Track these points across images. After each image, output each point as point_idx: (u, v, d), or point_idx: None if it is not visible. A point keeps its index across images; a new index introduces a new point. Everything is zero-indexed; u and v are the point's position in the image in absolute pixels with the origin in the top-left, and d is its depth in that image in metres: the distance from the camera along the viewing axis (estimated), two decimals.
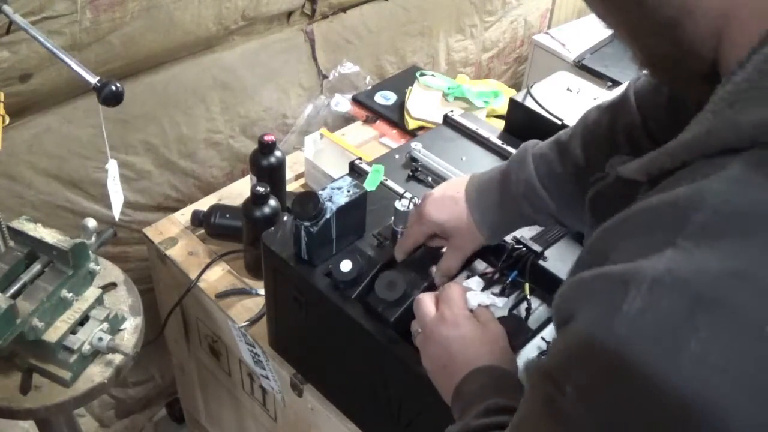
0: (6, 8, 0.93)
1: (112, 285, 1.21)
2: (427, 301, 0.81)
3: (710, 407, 0.31)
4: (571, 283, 0.41)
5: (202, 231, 1.41)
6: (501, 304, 0.85)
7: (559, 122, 1.27)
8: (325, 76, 1.75)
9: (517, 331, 0.85)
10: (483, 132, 1.25)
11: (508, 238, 0.98)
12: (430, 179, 1.15)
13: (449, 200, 0.88)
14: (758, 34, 0.37)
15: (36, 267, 1.05)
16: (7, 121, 0.98)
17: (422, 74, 1.77)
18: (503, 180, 0.85)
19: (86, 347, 1.06)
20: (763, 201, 0.33)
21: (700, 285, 0.33)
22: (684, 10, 0.43)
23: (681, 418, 0.32)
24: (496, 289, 0.92)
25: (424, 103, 1.69)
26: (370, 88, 1.80)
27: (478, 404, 0.68)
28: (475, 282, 0.92)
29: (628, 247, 0.37)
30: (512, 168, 0.85)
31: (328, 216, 0.92)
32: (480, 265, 0.98)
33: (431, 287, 0.91)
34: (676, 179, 0.39)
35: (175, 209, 1.48)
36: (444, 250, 0.93)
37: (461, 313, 0.79)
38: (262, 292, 1.22)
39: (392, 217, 0.99)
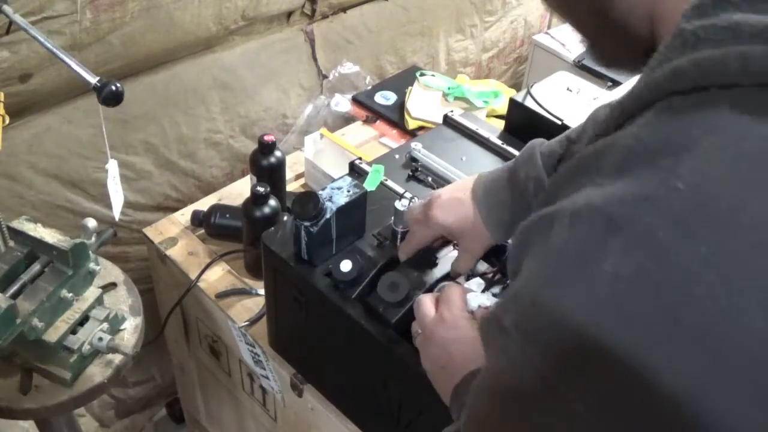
0: (6, 8, 0.93)
1: (112, 285, 1.21)
2: (426, 302, 0.81)
3: (620, 317, 0.33)
4: (516, 234, 0.45)
5: (202, 231, 1.41)
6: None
7: (559, 122, 1.27)
8: (325, 76, 1.75)
9: None
10: (483, 132, 1.25)
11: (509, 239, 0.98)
12: (430, 179, 1.15)
13: (456, 202, 0.88)
14: (682, 9, 0.40)
15: (36, 267, 1.05)
16: (7, 121, 0.98)
17: (422, 74, 1.77)
18: (511, 178, 0.85)
19: (86, 347, 1.06)
20: (668, 134, 0.36)
21: (611, 210, 0.36)
22: None
23: (593, 325, 0.34)
24: (497, 289, 0.92)
25: (424, 103, 1.69)
26: (370, 88, 1.80)
27: None
28: (476, 283, 0.92)
29: (559, 195, 0.41)
30: (520, 166, 0.85)
31: (328, 216, 0.92)
32: (481, 265, 0.98)
33: (433, 289, 0.91)
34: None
35: (175, 209, 1.48)
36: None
37: (460, 314, 0.79)
38: (262, 292, 1.23)
39: (392, 217, 0.99)
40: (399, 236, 0.99)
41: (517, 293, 0.41)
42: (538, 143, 0.87)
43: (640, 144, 0.37)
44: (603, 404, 0.34)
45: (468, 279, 0.93)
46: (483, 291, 0.88)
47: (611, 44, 0.51)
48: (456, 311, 0.79)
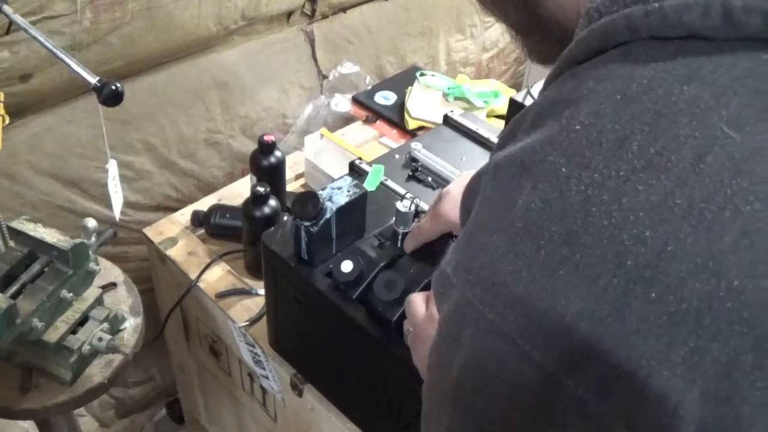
0: (6, 8, 0.93)
1: (112, 285, 1.21)
2: (417, 300, 0.82)
3: (531, 242, 0.38)
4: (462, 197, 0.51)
5: (202, 231, 1.41)
6: None
7: None
8: (325, 76, 1.75)
9: None
10: (483, 132, 1.25)
11: None
12: (430, 179, 1.15)
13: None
14: None
15: (36, 267, 1.05)
16: (7, 121, 0.98)
17: (422, 74, 1.77)
18: None
19: (86, 347, 1.06)
20: (570, 89, 0.41)
21: (522, 156, 0.41)
22: None
23: (512, 253, 0.40)
24: None
25: (424, 103, 1.69)
26: (370, 88, 1.80)
27: None
28: None
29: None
30: None
31: (328, 216, 0.92)
32: None
33: (429, 287, 0.91)
34: None
35: (175, 209, 1.48)
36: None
37: None
38: (262, 292, 1.22)
39: (393, 218, 0.99)
40: (400, 237, 0.99)
41: (457, 243, 0.46)
42: None
43: (546, 101, 0.42)
44: (520, 330, 0.39)
45: None
46: None
47: (540, 41, 0.55)
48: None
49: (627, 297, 0.35)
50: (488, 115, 1.68)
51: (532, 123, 0.43)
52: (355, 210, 0.97)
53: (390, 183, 1.12)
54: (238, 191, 1.50)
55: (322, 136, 1.53)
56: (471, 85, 1.78)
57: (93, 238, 1.11)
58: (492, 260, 0.40)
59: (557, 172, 0.38)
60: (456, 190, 0.90)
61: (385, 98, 1.76)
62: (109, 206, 1.13)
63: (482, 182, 0.44)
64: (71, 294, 1.05)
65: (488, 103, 1.68)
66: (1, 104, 0.98)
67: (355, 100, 1.75)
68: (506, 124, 1.36)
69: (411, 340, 0.81)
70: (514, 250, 0.39)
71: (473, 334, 0.42)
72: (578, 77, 0.42)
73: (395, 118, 1.70)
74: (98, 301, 1.11)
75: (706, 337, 0.34)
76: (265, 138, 1.31)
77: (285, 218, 1.19)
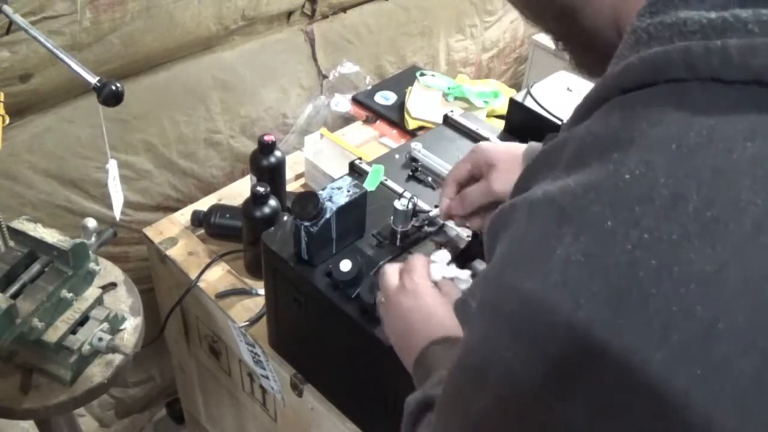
0: (6, 8, 0.93)
1: (112, 285, 1.21)
2: (390, 271, 0.84)
3: (570, 298, 0.36)
4: (488, 227, 0.47)
5: (202, 231, 1.41)
6: (465, 277, 0.85)
7: (560, 122, 1.27)
8: (325, 76, 1.75)
9: None
10: (483, 132, 1.25)
11: None
12: (430, 179, 1.15)
13: (503, 144, 0.92)
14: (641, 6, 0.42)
15: (36, 267, 1.05)
16: (7, 121, 0.98)
17: (422, 74, 1.77)
18: None
19: (86, 347, 1.06)
20: (617, 127, 0.38)
21: (564, 201, 0.38)
22: None
23: (549, 304, 0.37)
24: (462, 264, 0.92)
25: (424, 103, 1.69)
26: (370, 88, 1.80)
27: (434, 373, 0.71)
28: (441, 255, 0.91)
29: (527, 187, 0.43)
30: None
31: (328, 216, 0.92)
32: (480, 265, 0.98)
33: None
34: None
35: (175, 209, 1.48)
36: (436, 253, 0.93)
37: (422, 282, 0.81)
38: (262, 292, 1.23)
39: (392, 217, 0.99)
40: (399, 236, 0.99)
41: (484, 276, 0.44)
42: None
43: (590, 136, 0.39)
44: (551, 386, 0.37)
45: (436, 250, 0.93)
46: (448, 264, 0.87)
47: (581, 50, 0.53)
48: (418, 279, 0.81)
49: (669, 374, 0.32)
50: (488, 115, 1.68)
51: (574, 159, 0.40)
52: (355, 210, 0.97)
53: (390, 183, 1.12)
54: (238, 191, 1.50)
55: (322, 136, 1.53)
56: (471, 85, 1.78)
57: (93, 238, 1.11)
58: (523, 307, 0.38)
59: (602, 225, 0.36)
60: (504, 160, 0.91)
61: (385, 98, 1.76)
62: (109, 206, 1.13)
63: (515, 217, 0.41)
64: (71, 294, 1.05)
65: (488, 103, 1.68)
66: (1, 104, 0.98)
67: (355, 100, 1.75)
68: (506, 124, 1.36)
69: (382, 311, 0.83)
70: (549, 305, 0.36)
71: (499, 381, 0.40)
72: (627, 112, 0.38)
73: (395, 118, 1.70)
74: (98, 301, 1.11)
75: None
76: (265, 138, 1.31)
77: (285, 218, 1.19)
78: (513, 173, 0.88)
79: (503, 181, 0.90)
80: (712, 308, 0.32)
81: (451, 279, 0.83)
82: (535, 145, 0.89)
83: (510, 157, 0.90)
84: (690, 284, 0.33)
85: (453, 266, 0.87)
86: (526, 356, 0.38)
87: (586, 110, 0.43)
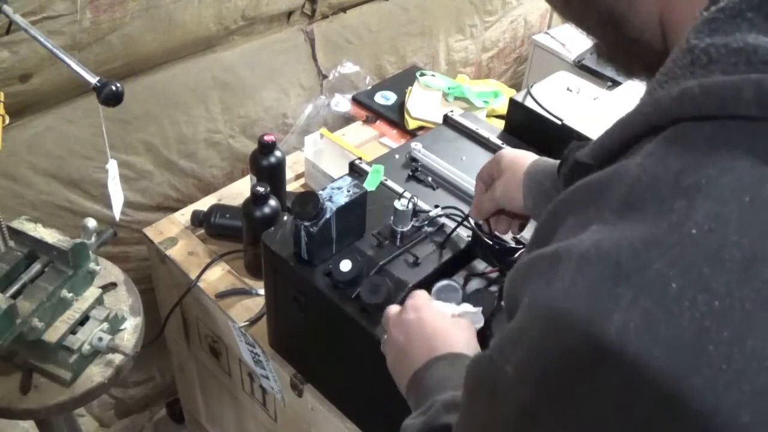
0: (6, 8, 0.93)
1: (112, 285, 1.21)
2: (392, 308, 0.83)
3: (630, 364, 0.32)
4: (516, 268, 0.42)
5: (202, 231, 1.41)
6: (474, 311, 0.84)
7: (559, 122, 1.27)
8: (325, 76, 1.75)
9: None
10: (483, 132, 1.25)
11: (508, 237, 0.98)
12: (430, 179, 1.15)
13: (518, 153, 0.91)
14: (693, 17, 0.38)
15: (36, 267, 1.05)
16: (7, 121, 0.98)
17: (422, 74, 1.77)
18: (554, 174, 0.85)
19: (86, 347, 1.06)
20: (679, 169, 0.34)
21: (619, 255, 0.33)
22: (623, 1, 0.44)
23: (603, 380, 0.33)
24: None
25: (424, 103, 1.69)
26: (370, 88, 1.80)
27: (437, 395, 0.67)
28: (448, 288, 0.92)
29: (565, 227, 0.39)
30: (560, 164, 0.85)
31: (328, 216, 0.92)
32: (480, 264, 0.98)
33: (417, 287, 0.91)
34: (608, 161, 0.40)
35: (175, 209, 1.48)
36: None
37: (424, 302, 0.80)
38: (262, 292, 1.22)
39: (392, 217, 0.99)
40: (399, 236, 0.99)
41: (520, 335, 0.39)
42: (577, 145, 0.87)
43: (647, 176, 0.35)
44: None
45: (441, 293, 0.92)
46: (458, 303, 0.87)
47: (626, 57, 0.49)
48: (420, 301, 0.80)
49: None
50: (488, 115, 1.68)
51: (627, 203, 0.35)
52: (355, 210, 0.97)
53: (390, 183, 1.12)
54: (238, 191, 1.50)
55: (322, 136, 1.53)
56: (471, 85, 1.78)
57: (93, 238, 1.11)
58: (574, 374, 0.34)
59: (665, 286, 0.32)
60: (510, 176, 0.90)
61: (385, 98, 1.76)
62: (109, 206, 1.13)
63: (558, 268, 0.36)
64: (71, 294, 1.05)
65: (488, 103, 1.68)
66: (1, 104, 0.98)
67: (355, 100, 1.75)
68: (506, 124, 1.36)
69: (384, 342, 0.82)
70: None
71: None
72: (689, 151, 0.34)
73: (395, 118, 1.70)
74: (98, 301, 1.11)
75: None
76: (265, 138, 1.31)
77: (285, 218, 1.19)
78: (513, 184, 0.88)
79: (502, 189, 0.89)
80: None
81: (459, 315, 0.82)
82: (540, 163, 0.88)
83: (516, 167, 0.89)
84: (765, 361, 0.30)
85: (464, 304, 0.85)
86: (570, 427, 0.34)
87: (632, 138, 0.38)
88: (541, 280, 0.38)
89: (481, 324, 0.82)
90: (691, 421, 0.30)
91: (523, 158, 0.90)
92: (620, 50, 0.48)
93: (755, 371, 0.30)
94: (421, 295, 0.82)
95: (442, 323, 0.77)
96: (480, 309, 0.84)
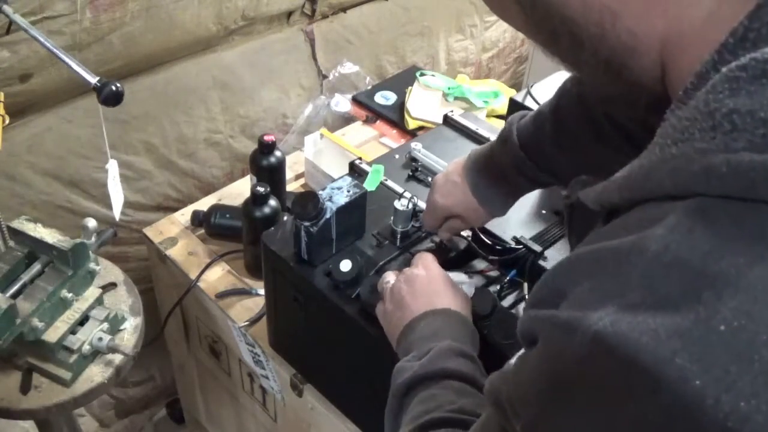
0: (6, 8, 0.93)
1: (112, 285, 1.21)
2: (390, 272, 0.87)
3: None
4: (528, 318, 0.41)
5: (202, 231, 1.41)
6: (468, 281, 0.89)
7: None
8: (325, 76, 1.75)
9: (485, 305, 0.86)
10: (483, 132, 1.25)
11: (508, 238, 0.98)
12: (430, 179, 1.15)
13: (451, 185, 0.92)
14: (699, 61, 0.36)
15: (36, 267, 1.05)
16: (7, 121, 0.98)
17: (422, 74, 1.77)
18: (493, 157, 0.88)
19: (86, 347, 1.06)
20: (706, 252, 0.32)
21: (639, 345, 0.31)
22: (625, 50, 0.41)
23: None
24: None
25: (424, 103, 1.69)
26: (370, 88, 1.80)
27: (433, 342, 0.72)
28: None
29: (581, 290, 0.37)
30: (500, 145, 0.87)
31: (328, 216, 0.92)
32: (480, 264, 0.98)
33: None
34: (623, 222, 0.38)
35: (175, 209, 1.48)
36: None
37: (432, 262, 0.84)
38: (262, 292, 1.22)
39: (392, 217, 0.99)
40: (399, 236, 0.99)
41: (525, 398, 0.39)
42: (518, 117, 0.88)
43: (670, 256, 0.33)
44: None
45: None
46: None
47: (617, 95, 0.48)
48: (429, 261, 0.84)
49: None
50: (488, 115, 1.68)
51: (651, 287, 0.33)
52: (355, 210, 0.97)
53: (390, 183, 1.12)
54: (238, 191, 1.50)
55: (322, 136, 1.53)
56: (471, 85, 1.78)
57: (93, 238, 1.11)
58: None
59: (687, 383, 0.30)
60: (441, 178, 0.93)
61: (385, 98, 1.76)
62: (109, 206, 1.13)
63: (572, 344, 0.34)
64: (71, 294, 1.05)
65: (488, 103, 1.68)
66: (1, 104, 0.98)
67: (355, 100, 1.75)
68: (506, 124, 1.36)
69: (380, 305, 0.85)
70: None
71: None
72: (716, 233, 0.32)
73: (395, 118, 1.70)
74: (98, 301, 1.11)
75: None
76: (265, 138, 1.31)
77: (285, 218, 1.19)
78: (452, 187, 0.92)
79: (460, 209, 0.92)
80: None
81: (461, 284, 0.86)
82: (476, 154, 0.91)
83: (449, 179, 0.92)
84: None
85: (459, 273, 0.90)
86: None
87: (643, 200, 0.36)
88: (548, 342, 0.37)
89: (470, 295, 0.87)
90: None
91: (453, 172, 0.93)
92: (618, 93, 0.47)
93: None
94: (429, 256, 0.87)
95: (446, 284, 0.82)
96: (474, 281, 0.89)
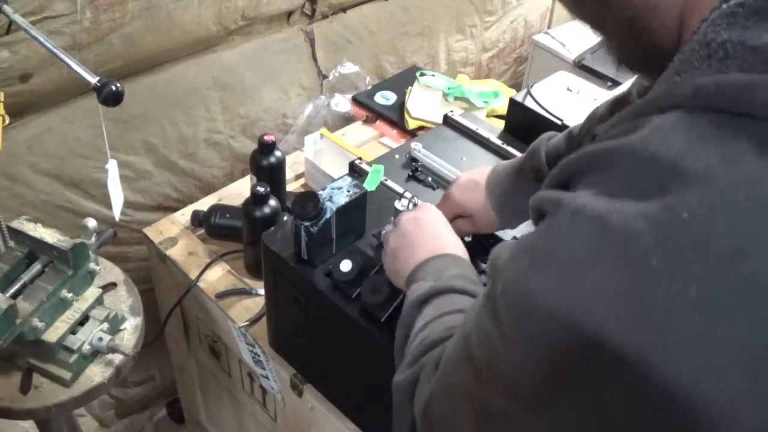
0: (6, 8, 0.93)
1: (112, 285, 1.21)
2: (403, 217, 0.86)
3: (598, 327, 0.33)
4: (539, 196, 0.45)
5: (202, 231, 1.41)
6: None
7: (559, 122, 1.27)
8: (325, 76, 1.75)
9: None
10: (483, 132, 1.25)
11: (508, 238, 0.98)
12: (430, 179, 1.15)
13: (472, 184, 0.94)
14: (710, 9, 0.38)
15: (36, 267, 1.05)
16: (7, 121, 0.98)
17: (422, 74, 1.77)
18: (519, 170, 0.91)
19: (86, 347, 1.06)
20: (681, 151, 0.34)
21: (609, 222, 0.35)
22: (648, 9, 0.44)
23: (565, 324, 0.35)
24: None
25: (424, 103, 1.69)
26: (370, 88, 1.80)
27: (444, 272, 0.73)
28: None
29: (575, 180, 0.41)
30: (526, 159, 0.91)
31: (328, 216, 0.92)
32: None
33: None
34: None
35: (175, 209, 1.48)
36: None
37: (438, 210, 0.85)
38: (262, 292, 1.23)
39: (392, 217, 0.99)
40: None
41: (525, 247, 0.43)
42: (548, 137, 0.92)
43: (647, 154, 0.36)
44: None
45: None
46: None
47: (644, 61, 0.49)
48: (434, 208, 0.85)
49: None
50: (488, 115, 1.68)
51: (626, 177, 0.36)
52: (355, 210, 0.97)
53: (390, 183, 1.12)
54: (238, 191, 1.50)
55: (322, 136, 1.53)
56: (471, 85, 1.78)
57: (93, 238, 1.11)
58: (545, 317, 0.37)
59: (646, 261, 0.33)
60: (465, 176, 0.96)
61: (385, 98, 1.76)
62: (109, 206, 1.13)
63: (557, 214, 0.39)
64: (71, 294, 1.05)
65: (488, 103, 1.68)
66: (1, 104, 0.98)
67: (355, 100, 1.75)
68: (506, 124, 1.36)
69: (388, 235, 0.85)
70: (572, 324, 0.34)
71: (502, 378, 0.41)
72: (693, 136, 0.34)
73: (395, 118, 1.70)
74: (98, 301, 1.11)
75: None
76: (265, 138, 1.31)
77: (285, 218, 1.19)
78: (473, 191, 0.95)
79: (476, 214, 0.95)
80: (747, 381, 0.30)
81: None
82: (502, 164, 0.95)
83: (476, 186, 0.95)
84: (731, 348, 0.30)
85: None
86: (533, 364, 0.38)
87: (636, 114, 0.39)
88: (548, 221, 0.41)
89: None
90: (652, 399, 0.31)
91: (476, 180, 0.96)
92: (639, 55, 0.49)
93: (719, 368, 0.30)
94: (433, 206, 0.88)
95: (451, 230, 0.82)
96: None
